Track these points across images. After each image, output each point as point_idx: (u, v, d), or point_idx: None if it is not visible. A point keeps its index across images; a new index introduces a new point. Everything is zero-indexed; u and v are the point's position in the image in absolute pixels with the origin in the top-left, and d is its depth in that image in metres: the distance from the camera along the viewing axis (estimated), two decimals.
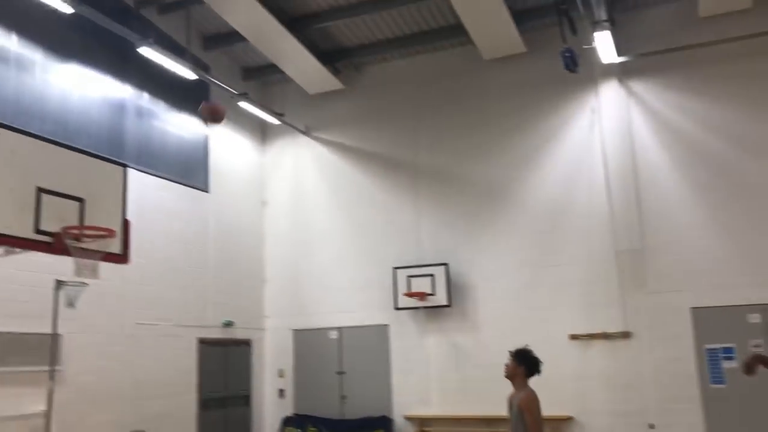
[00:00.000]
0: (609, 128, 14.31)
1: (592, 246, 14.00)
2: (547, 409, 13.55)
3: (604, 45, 12.89)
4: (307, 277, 16.52)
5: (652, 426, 13.12)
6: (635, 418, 13.28)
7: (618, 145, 14.21)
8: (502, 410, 13.90)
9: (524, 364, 6.30)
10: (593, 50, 13.33)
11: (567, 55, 12.57)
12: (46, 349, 10.59)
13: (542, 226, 14.54)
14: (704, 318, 13.05)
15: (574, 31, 12.83)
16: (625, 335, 13.54)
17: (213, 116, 9.69)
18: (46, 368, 10.40)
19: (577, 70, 12.97)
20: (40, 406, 10.51)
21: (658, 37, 13.99)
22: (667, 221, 13.63)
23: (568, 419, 13.74)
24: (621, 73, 14.34)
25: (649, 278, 13.59)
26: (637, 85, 14.33)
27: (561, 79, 14.29)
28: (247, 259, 16.46)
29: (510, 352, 6.39)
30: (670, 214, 13.65)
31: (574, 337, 13.92)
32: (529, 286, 14.45)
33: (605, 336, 13.66)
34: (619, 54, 13.70)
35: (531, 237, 14.61)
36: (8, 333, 10.53)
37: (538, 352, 14.02)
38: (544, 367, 14.31)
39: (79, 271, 7.98)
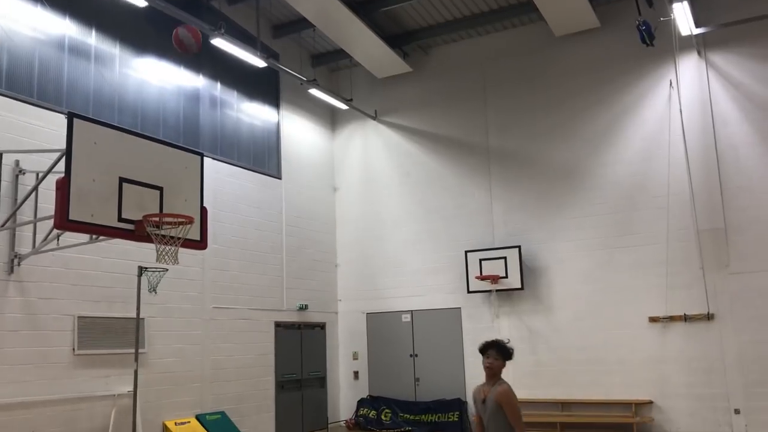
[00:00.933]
0: (688, 102, 13.76)
1: (672, 225, 13.54)
2: (626, 393, 13.48)
3: (681, 16, 12.37)
4: (379, 261, 16.62)
5: (737, 411, 12.66)
6: (719, 402, 12.84)
7: (698, 120, 13.66)
8: (576, 394, 13.88)
9: (506, 357, 5.75)
10: (670, 22, 12.82)
11: (643, 28, 12.13)
12: (131, 333, 11.04)
13: (618, 206, 14.15)
14: None
15: (650, 3, 12.36)
16: (708, 317, 13.07)
17: (188, 42, 8.31)
18: (132, 351, 10.85)
19: (654, 44, 12.51)
20: (127, 387, 11.00)
21: (739, 6, 13.33)
22: (751, 198, 13.04)
23: (647, 403, 13.40)
24: (700, 44, 13.75)
25: (732, 258, 13.05)
26: (717, 57, 13.72)
27: (637, 54, 13.82)
28: (320, 244, 16.68)
29: (487, 348, 5.75)
30: (753, 191, 13.05)
31: (653, 319, 13.53)
32: (604, 267, 14.11)
33: (686, 318, 13.22)
34: (698, 25, 13.13)
35: (607, 217, 14.24)
36: (95, 317, 11.00)
37: (615, 335, 13.84)
38: (620, 352, 14.02)
39: (160, 257, 8.25)
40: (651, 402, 13.41)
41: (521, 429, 5.41)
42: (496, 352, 5.67)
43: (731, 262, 13.05)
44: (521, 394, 14.36)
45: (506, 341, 5.90)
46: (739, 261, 12.99)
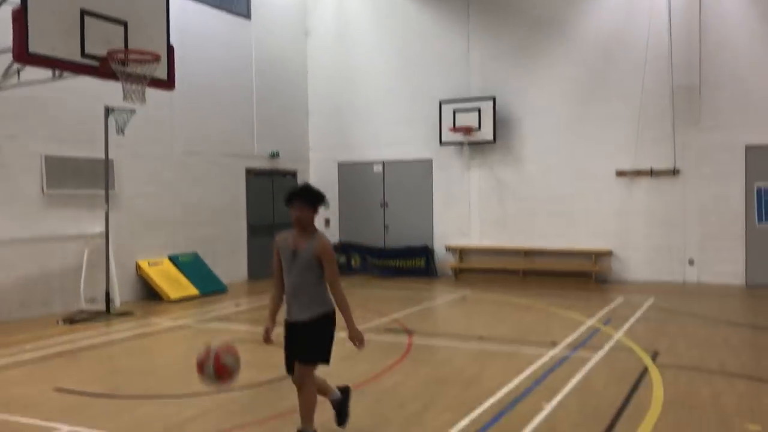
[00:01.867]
0: None
1: (648, 79, 13.45)
2: (588, 243, 13.99)
3: None
4: (352, 110, 16.41)
5: (691, 262, 13.27)
6: (675, 253, 13.42)
7: None
8: (540, 243, 14.36)
9: (316, 204, 4.83)
10: None
11: None
12: (99, 174, 10.94)
13: (595, 58, 13.95)
14: (758, 156, 12.72)
15: None
16: (673, 172, 13.35)
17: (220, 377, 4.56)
18: (101, 191, 10.81)
19: None
20: (99, 228, 11.05)
21: None
22: (730, 55, 12.93)
23: (607, 253, 13.95)
24: None
25: (705, 115, 13.14)
26: None
27: None
28: (291, 90, 16.34)
29: (293, 197, 4.78)
30: (733, 48, 12.91)
31: (620, 173, 13.78)
32: (577, 120, 14.14)
33: (652, 172, 13.49)
34: None
35: (583, 69, 14.08)
36: (63, 157, 10.84)
37: (582, 188, 14.14)
38: (586, 203, 14.33)
39: (127, 96, 8.01)
40: (611, 252, 13.96)
41: (340, 284, 4.83)
42: (303, 201, 4.74)
43: (702, 119, 13.16)
44: (487, 242, 14.96)
45: (310, 186, 4.93)
46: (710, 118, 13.09)
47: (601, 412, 5.55)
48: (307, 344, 4.80)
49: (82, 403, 6.04)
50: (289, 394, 6.30)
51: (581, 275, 13.98)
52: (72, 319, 10.02)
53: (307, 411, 4.81)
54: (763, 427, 5.13)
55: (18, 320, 10.01)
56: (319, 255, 4.72)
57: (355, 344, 4.87)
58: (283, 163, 16.02)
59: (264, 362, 7.66)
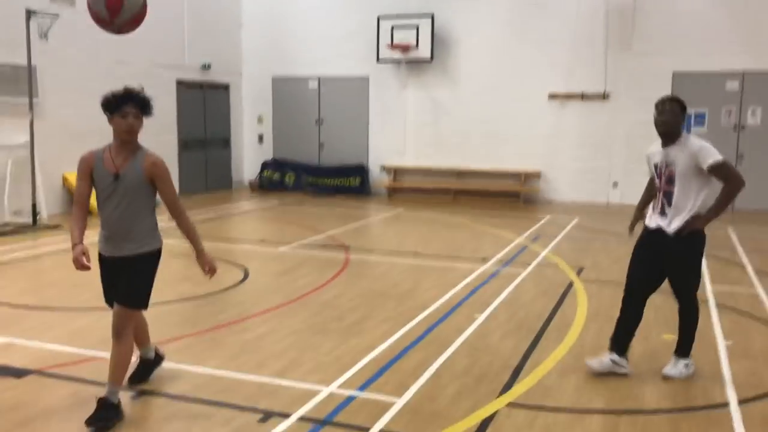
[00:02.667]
0: None
1: (582, 2, 13.54)
2: (518, 164, 14.31)
3: None
4: (288, 23, 15.94)
5: (615, 184, 13.80)
6: (600, 175, 13.91)
7: None
8: (473, 163, 14.61)
9: (146, 113, 3.97)
10: None
11: None
12: (22, 81, 10.40)
13: None
14: (684, 82, 13.13)
15: None
16: (603, 96, 13.68)
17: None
18: (25, 99, 10.31)
19: None
20: (23, 137, 10.59)
21: None
22: None
23: (536, 174, 14.34)
24: None
25: (636, 40, 13.40)
26: None
27: None
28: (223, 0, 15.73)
29: (124, 102, 3.85)
30: None
31: (552, 96, 14.02)
32: (513, 42, 14.18)
33: (583, 96, 13.78)
34: None
35: None
36: None
37: (514, 110, 14.35)
38: (518, 125, 14.55)
39: None
40: (539, 173, 14.35)
41: (182, 207, 4.08)
42: (137, 108, 3.87)
43: (634, 44, 13.42)
44: (421, 162, 15.10)
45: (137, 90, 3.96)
46: (642, 43, 13.36)
47: (529, 323, 5.86)
48: (133, 285, 3.97)
49: (16, 315, 5.96)
50: (226, 308, 6.41)
51: (511, 195, 14.36)
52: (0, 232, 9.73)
53: (120, 368, 3.89)
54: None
55: None
56: (151, 175, 3.86)
57: (204, 270, 4.09)
58: (216, 76, 15.56)
59: (199, 276, 7.69)
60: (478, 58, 14.48)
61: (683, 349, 4.70)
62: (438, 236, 10.50)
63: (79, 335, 5.41)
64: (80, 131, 12.00)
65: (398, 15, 14.58)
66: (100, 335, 5.32)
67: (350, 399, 4.22)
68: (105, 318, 5.92)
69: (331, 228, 10.76)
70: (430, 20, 14.31)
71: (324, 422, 3.89)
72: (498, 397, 4.30)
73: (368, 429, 3.80)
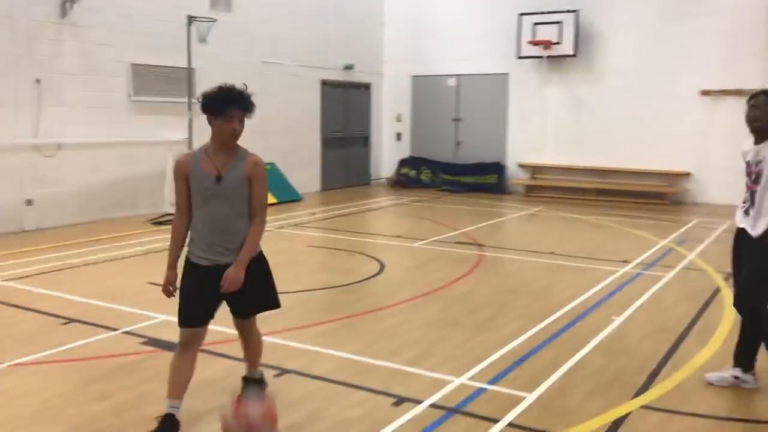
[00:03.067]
0: None
1: None
2: (665, 164, 13.67)
3: None
4: (428, 22, 16.13)
5: None
6: None
7: None
8: (617, 162, 14.10)
9: (249, 114, 3.69)
10: None
11: None
12: (182, 82, 11.27)
13: None
14: None
15: None
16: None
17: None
18: (185, 100, 11.16)
19: None
20: (182, 135, 11.46)
21: None
22: None
23: (685, 174, 13.64)
24: None
25: None
26: None
27: None
28: (367, 1, 16.16)
29: (230, 102, 3.57)
30: None
31: (704, 92, 13.27)
32: (662, 37, 13.55)
33: (739, 93, 12.93)
34: None
35: None
36: (148, 65, 11.19)
37: (663, 107, 13.72)
38: (666, 123, 13.91)
39: (214, 4, 8.12)
40: (689, 173, 13.63)
41: (265, 214, 3.78)
42: (243, 109, 3.59)
43: None
44: (561, 160, 14.78)
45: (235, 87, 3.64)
46: None
47: (669, 328, 5.64)
48: (267, 287, 3.89)
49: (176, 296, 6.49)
50: (363, 297, 6.65)
51: (657, 196, 13.74)
52: (158, 221, 10.59)
53: (260, 353, 4.18)
54: None
55: (106, 221, 10.63)
56: (251, 175, 3.64)
57: (225, 282, 3.60)
58: (357, 76, 16.04)
59: (338, 267, 8.02)
60: (625, 53, 13.97)
61: (747, 360, 4.40)
62: (577, 236, 10.27)
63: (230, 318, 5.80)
64: None
65: (540, 12, 14.35)
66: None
67: (480, 390, 4.29)
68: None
69: (465, 225, 10.81)
70: (574, 16, 13.98)
71: (454, 410, 3.98)
72: (632, 398, 4.20)
73: (498, 420, 3.85)
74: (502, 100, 15.47)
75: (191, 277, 3.68)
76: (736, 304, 4.40)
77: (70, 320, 5.67)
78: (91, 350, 5.00)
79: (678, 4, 13.37)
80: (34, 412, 3.95)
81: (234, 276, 3.59)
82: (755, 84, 12.73)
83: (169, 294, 3.75)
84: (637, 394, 4.28)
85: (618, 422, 3.88)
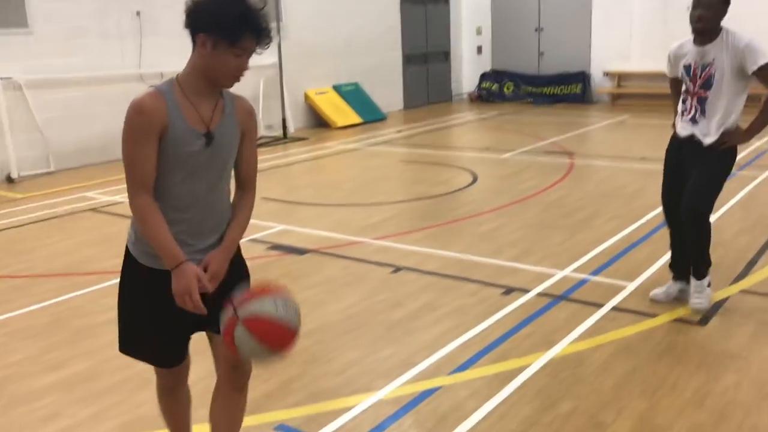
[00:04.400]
0: None
1: None
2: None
3: None
4: None
5: None
6: None
7: None
8: None
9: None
10: None
11: None
12: (270, 6, 11.56)
13: None
14: None
15: None
16: None
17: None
18: (273, 24, 11.48)
19: None
20: (272, 59, 11.85)
21: None
22: None
23: None
24: None
25: None
26: None
27: None
28: None
29: (255, 21, 2.19)
30: None
31: None
32: None
33: None
34: None
35: None
36: None
37: (764, 4, 13.11)
38: (764, 19, 13.47)
39: None
40: None
41: (255, 171, 2.47)
42: (259, 43, 2.28)
43: None
44: (648, 67, 14.44)
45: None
46: None
47: (766, 222, 5.77)
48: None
49: (287, 209, 7.03)
50: (460, 206, 7.00)
51: (751, 98, 13.31)
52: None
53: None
54: None
55: None
56: (244, 129, 2.39)
57: (208, 274, 2.26)
58: None
59: (432, 179, 8.37)
60: None
61: (701, 267, 4.06)
62: (666, 140, 10.21)
63: (342, 225, 6.29)
64: (318, 51, 13.15)
65: None
66: (358, 225, 6.19)
67: (584, 281, 4.62)
68: (358, 212, 6.81)
69: (553, 135, 10.89)
70: None
71: (561, 297, 4.34)
72: (731, 284, 4.45)
73: (602, 305, 4.19)
74: (585, 7, 15.09)
75: (153, 292, 2.32)
76: (676, 218, 4.15)
77: None
78: None
79: None
80: None
81: (220, 267, 2.30)
82: None
83: (197, 306, 2.20)
84: (736, 280, 4.52)
85: (718, 304, 4.16)
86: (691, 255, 4.10)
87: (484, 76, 16.57)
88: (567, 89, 15.27)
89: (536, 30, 15.86)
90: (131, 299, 2.40)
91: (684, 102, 4.06)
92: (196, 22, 2.21)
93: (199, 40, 2.22)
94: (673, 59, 4.12)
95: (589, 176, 8.07)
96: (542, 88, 15.55)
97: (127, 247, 2.39)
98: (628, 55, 14.75)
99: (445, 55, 16.63)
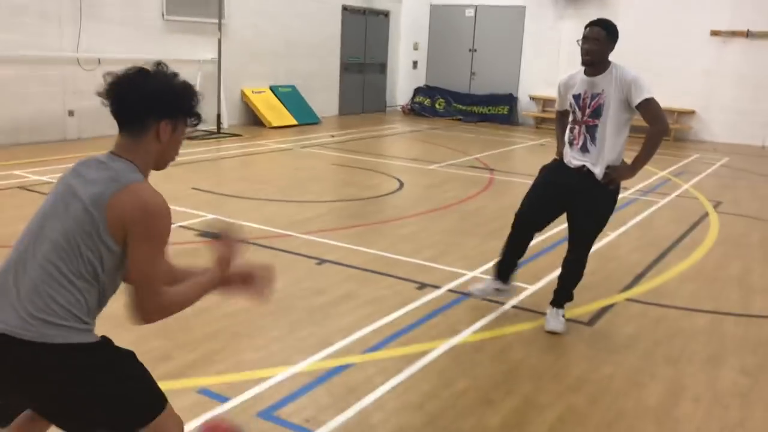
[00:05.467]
0: None
1: None
2: (672, 102, 14.19)
3: None
4: None
5: None
6: (759, 117, 13.54)
7: None
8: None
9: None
10: None
11: None
12: (213, 4, 11.75)
13: None
14: None
15: None
16: None
17: None
18: (215, 21, 11.67)
19: None
20: (211, 54, 12.02)
21: None
22: None
23: (690, 112, 14.18)
24: None
25: None
26: None
27: None
28: None
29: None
30: None
31: (714, 33, 13.67)
32: None
33: (749, 34, 13.34)
34: None
35: None
36: None
37: (672, 45, 14.14)
38: (675, 61, 14.29)
39: None
40: (694, 112, 14.17)
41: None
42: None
43: None
44: None
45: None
46: None
47: (658, 242, 6.39)
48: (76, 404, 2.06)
49: (217, 200, 7.26)
50: (385, 209, 7.39)
51: (637, 129, 14.28)
52: (188, 136, 11.25)
53: None
54: None
55: None
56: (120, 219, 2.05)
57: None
58: (378, 2, 16.38)
59: (361, 183, 8.73)
60: None
61: (563, 299, 4.34)
62: None
63: (271, 219, 6.56)
64: (258, 51, 13.36)
65: None
66: (287, 220, 6.48)
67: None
68: (289, 208, 7.11)
69: (477, 152, 11.46)
70: None
71: (467, 294, 4.76)
72: (619, 293, 4.98)
73: (503, 303, 4.64)
74: (517, 33, 15.86)
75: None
76: (526, 230, 4.42)
77: None
78: None
79: None
80: None
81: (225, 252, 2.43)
82: (764, 26, 13.20)
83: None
84: (624, 290, 5.06)
85: (605, 309, 4.67)
86: (561, 288, 4.35)
87: (417, 91, 17.11)
88: (495, 110, 15.97)
89: (470, 50, 16.52)
90: (132, 367, 2.18)
91: (572, 131, 4.24)
92: (161, 108, 2.16)
93: (163, 126, 2.17)
94: (564, 90, 4.35)
95: (507, 191, 8.60)
96: (472, 107, 16.21)
97: (76, 349, 2.02)
98: (554, 81, 15.49)
99: (382, 67, 17.09)
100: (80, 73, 10.45)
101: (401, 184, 8.58)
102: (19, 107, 9.78)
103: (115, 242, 2.05)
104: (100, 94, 2.16)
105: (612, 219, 4.41)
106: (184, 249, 5.46)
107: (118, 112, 2.16)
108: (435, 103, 16.74)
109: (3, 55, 9.47)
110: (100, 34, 10.54)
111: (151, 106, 2.15)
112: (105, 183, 2.07)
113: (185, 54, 11.84)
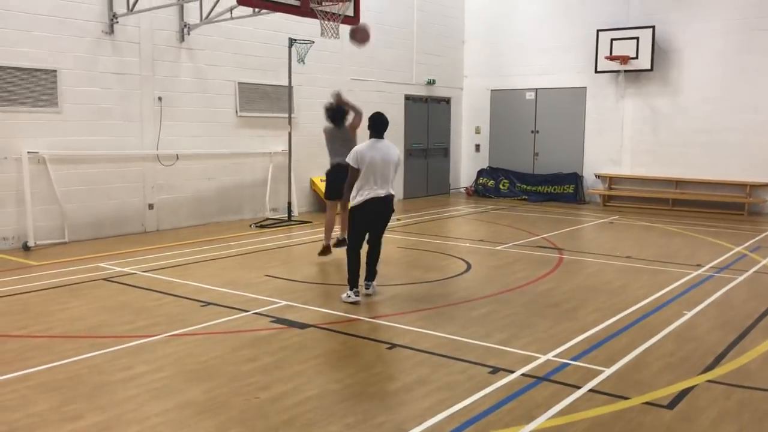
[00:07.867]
0: None
1: None
2: (743, 175, 13.92)
3: None
4: (506, 38, 16.84)
5: None
6: None
7: None
8: (693, 173, 14.42)
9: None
10: None
11: None
12: (283, 99, 12.37)
13: None
14: None
15: None
16: None
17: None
18: (284, 115, 12.24)
19: None
20: (281, 147, 12.55)
21: None
22: None
23: (763, 185, 13.84)
24: None
25: None
26: None
27: None
28: (448, 19, 17.00)
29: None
30: None
31: None
32: (741, 50, 13.83)
33: None
34: None
35: None
36: (253, 83, 12.32)
37: (741, 119, 13.93)
38: (747, 134, 14.00)
39: (324, 32, 9.10)
40: (767, 185, 13.82)
41: None
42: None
43: None
44: (637, 171, 15.19)
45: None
46: None
47: (737, 322, 6.18)
48: None
49: (290, 287, 7.44)
50: (455, 291, 7.41)
51: (733, 206, 13.99)
52: (261, 224, 11.65)
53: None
54: None
55: (216, 224, 11.78)
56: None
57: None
58: (439, 90, 16.87)
59: (428, 265, 8.80)
60: (703, 66, 14.30)
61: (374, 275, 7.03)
62: (653, 242, 10.75)
63: (340, 304, 6.69)
64: (324, 142, 13.80)
65: (617, 28, 14.86)
66: (356, 305, 6.58)
67: (564, 365, 4.99)
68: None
69: (545, 231, 11.43)
70: (650, 31, 14.42)
71: (543, 378, 4.71)
72: (699, 374, 4.83)
73: (580, 387, 4.56)
74: (579, 113, 16.00)
75: None
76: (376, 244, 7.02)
77: (207, 303, 6.66)
78: (231, 326, 5.95)
79: (756, 17, 13.63)
80: (200, 369, 4.89)
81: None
82: None
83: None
84: (704, 371, 4.90)
85: (685, 392, 4.53)
86: (373, 266, 7.00)
87: (481, 172, 17.31)
88: (560, 189, 15.96)
89: (532, 132, 16.70)
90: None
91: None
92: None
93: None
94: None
95: (577, 271, 8.52)
96: (536, 187, 16.25)
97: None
98: (619, 160, 15.52)
99: (445, 151, 17.42)
100: (159, 169, 11.05)
101: (468, 266, 8.61)
102: (104, 202, 10.37)
103: None
104: None
105: (687, 297, 4.33)
106: (258, 336, 5.63)
107: None
108: (499, 184, 16.86)
109: (90, 154, 10.16)
110: (178, 131, 11.19)
111: None
112: None
113: (257, 147, 12.42)
